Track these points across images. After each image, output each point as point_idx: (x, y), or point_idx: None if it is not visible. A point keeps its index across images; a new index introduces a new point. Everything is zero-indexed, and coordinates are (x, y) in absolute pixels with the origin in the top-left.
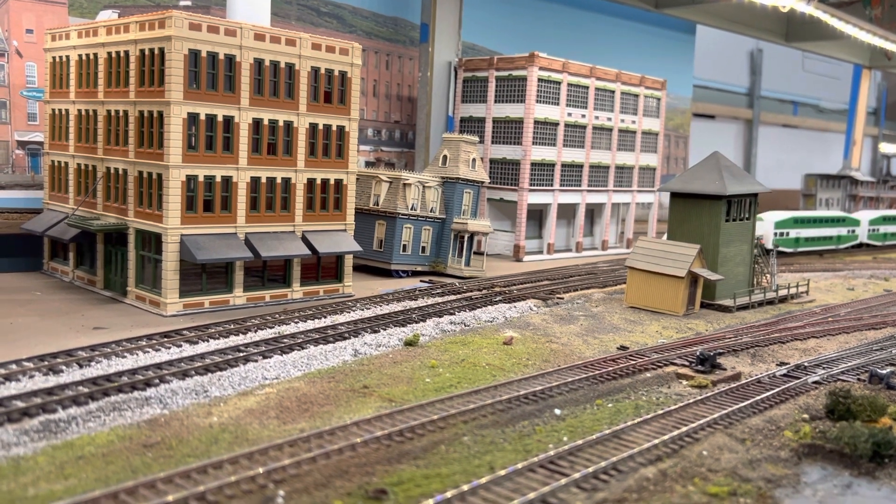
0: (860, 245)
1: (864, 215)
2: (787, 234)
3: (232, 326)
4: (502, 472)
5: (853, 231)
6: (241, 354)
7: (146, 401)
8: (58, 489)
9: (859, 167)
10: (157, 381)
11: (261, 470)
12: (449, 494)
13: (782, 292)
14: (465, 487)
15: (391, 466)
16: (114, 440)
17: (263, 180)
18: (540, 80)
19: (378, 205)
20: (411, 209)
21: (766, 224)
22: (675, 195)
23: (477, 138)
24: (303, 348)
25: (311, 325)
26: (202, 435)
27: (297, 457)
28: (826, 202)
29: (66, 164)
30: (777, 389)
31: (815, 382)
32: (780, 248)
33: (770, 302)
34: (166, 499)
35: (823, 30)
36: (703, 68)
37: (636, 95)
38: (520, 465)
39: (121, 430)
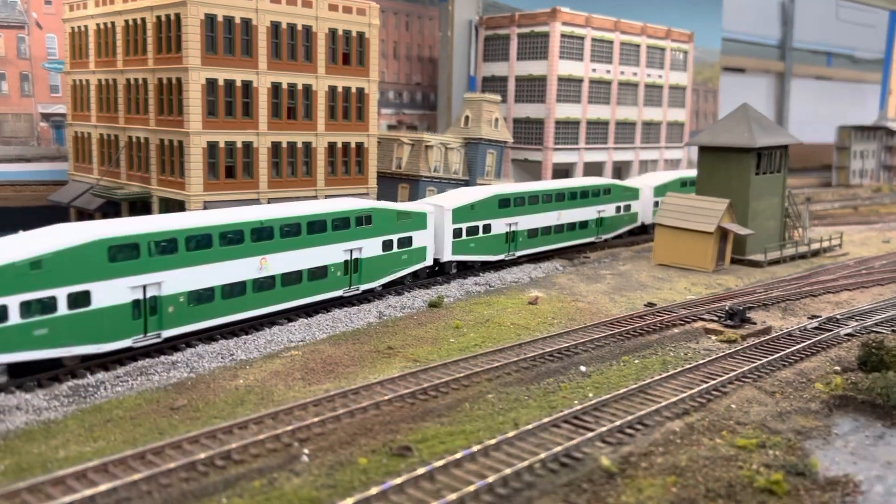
0: None
1: None
2: None
3: None
4: (527, 428)
5: None
6: (267, 318)
7: (173, 365)
8: (87, 451)
9: None
10: (183, 345)
11: (286, 429)
12: (474, 449)
13: (815, 246)
14: (491, 442)
15: (415, 424)
16: (141, 403)
17: (284, 145)
18: (563, 35)
19: (400, 168)
20: (434, 171)
21: None
22: (703, 149)
23: (499, 97)
24: (328, 311)
25: None
26: (228, 397)
27: (321, 416)
28: (861, 154)
29: (89, 134)
30: (808, 342)
31: (847, 335)
32: None
33: (802, 256)
34: (193, 458)
35: None
36: (732, 21)
37: (662, 49)
38: (545, 420)
39: (148, 393)
